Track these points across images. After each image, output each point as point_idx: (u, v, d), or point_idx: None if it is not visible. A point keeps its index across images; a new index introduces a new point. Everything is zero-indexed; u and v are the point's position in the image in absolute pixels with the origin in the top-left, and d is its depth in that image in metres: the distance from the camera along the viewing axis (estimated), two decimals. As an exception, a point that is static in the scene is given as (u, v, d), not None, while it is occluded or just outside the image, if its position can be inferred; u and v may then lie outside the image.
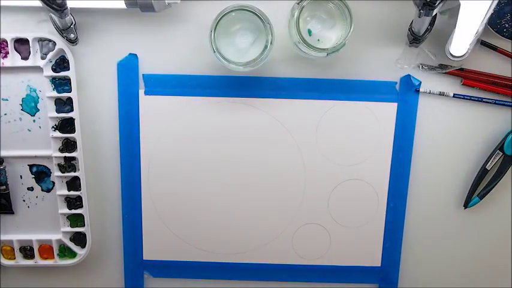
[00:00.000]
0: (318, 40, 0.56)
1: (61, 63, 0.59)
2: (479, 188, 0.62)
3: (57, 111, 0.60)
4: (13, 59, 0.59)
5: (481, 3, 0.52)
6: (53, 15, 0.54)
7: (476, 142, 0.62)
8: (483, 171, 0.61)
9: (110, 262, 0.66)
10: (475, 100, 0.61)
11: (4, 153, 0.62)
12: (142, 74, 0.60)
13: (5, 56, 0.59)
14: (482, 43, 0.59)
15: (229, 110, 0.61)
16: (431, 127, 0.62)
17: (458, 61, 0.58)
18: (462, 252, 0.65)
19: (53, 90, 0.60)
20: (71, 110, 0.60)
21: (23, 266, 0.64)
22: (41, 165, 0.62)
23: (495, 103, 0.61)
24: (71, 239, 0.64)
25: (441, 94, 0.61)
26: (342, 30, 0.55)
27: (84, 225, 0.63)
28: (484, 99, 0.60)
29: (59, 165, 0.61)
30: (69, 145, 0.61)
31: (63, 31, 0.56)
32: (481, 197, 0.62)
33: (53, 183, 0.63)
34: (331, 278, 0.66)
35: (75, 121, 0.60)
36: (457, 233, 0.65)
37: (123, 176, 0.63)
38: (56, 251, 0.64)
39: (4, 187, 0.62)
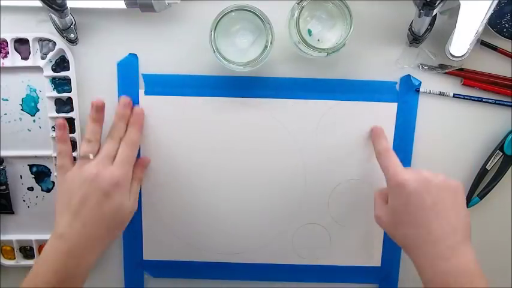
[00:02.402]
0: (318, 40, 0.56)
1: (61, 63, 0.59)
2: (479, 188, 0.62)
3: (57, 111, 0.60)
4: (13, 59, 0.59)
5: (481, 3, 0.52)
6: (53, 15, 0.54)
7: (476, 142, 0.62)
8: (483, 171, 0.62)
9: (110, 262, 0.66)
10: (475, 100, 0.61)
11: (4, 153, 0.62)
12: (142, 74, 0.60)
13: (5, 56, 0.59)
14: (482, 43, 0.59)
15: (229, 110, 0.61)
16: (431, 127, 0.62)
17: (458, 61, 0.58)
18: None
19: (53, 90, 0.60)
20: (71, 110, 0.60)
21: (23, 266, 0.64)
22: (41, 165, 0.62)
23: (495, 103, 0.61)
24: (71, 239, 0.64)
25: (441, 94, 0.61)
26: (342, 30, 0.55)
27: (84, 225, 0.63)
28: (484, 99, 0.60)
29: (59, 165, 0.61)
30: (69, 145, 0.61)
31: (63, 31, 0.56)
32: (481, 197, 0.62)
33: (53, 183, 0.63)
34: (331, 278, 0.66)
35: (75, 121, 0.60)
36: (457, 233, 0.64)
37: (123, 176, 0.63)
38: (56, 251, 0.64)
39: (4, 187, 0.62)
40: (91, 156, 0.54)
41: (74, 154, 0.60)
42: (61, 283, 0.50)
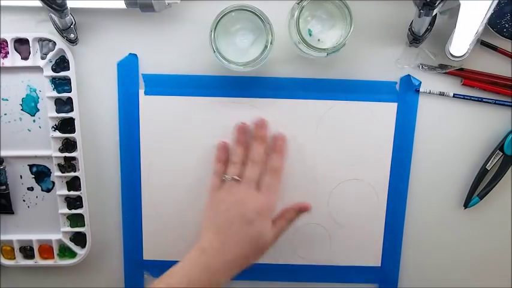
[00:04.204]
0: (318, 40, 0.56)
1: (61, 63, 0.59)
2: (479, 188, 0.62)
3: (57, 111, 0.60)
4: (13, 59, 0.59)
5: (481, 3, 0.52)
6: (53, 15, 0.54)
7: (476, 142, 0.62)
8: (483, 171, 0.61)
9: (110, 262, 0.66)
10: (475, 100, 0.61)
11: (4, 153, 0.62)
12: (142, 74, 0.60)
13: (5, 56, 0.59)
14: (482, 43, 0.59)
15: (230, 110, 0.61)
16: (431, 127, 0.62)
17: (458, 61, 0.58)
18: (462, 252, 0.65)
19: (53, 90, 0.60)
20: (71, 110, 0.60)
21: (23, 266, 0.64)
22: (41, 165, 0.62)
23: (495, 103, 0.61)
24: (71, 239, 0.64)
25: (441, 94, 0.61)
26: (342, 30, 0.55)
27: (84, 225, 0.63)
28: (484, 99, 0.60)
29: (59, 165, 0.61)
30: (69, 145, 0.61)
31: (63, 31, 0.56)
32: (481, 197, 0.62)
33: (53, 183, 0.63)
34: (331, 278, 0.66)
35: (75, 121, 0.60)
36: (457, 233, 0.65)
37: (123, 176, 0.63)
38: (56, 251, 0.64)
39: (4, 187, 0.62)
40: (238, 179, 0.56)
41: (74, 154, 0.61)
42: None
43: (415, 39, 0.56)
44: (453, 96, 0.61)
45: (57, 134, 0.61)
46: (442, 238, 0.65)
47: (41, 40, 0.59)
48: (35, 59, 0.59)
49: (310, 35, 0.55)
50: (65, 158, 0.61)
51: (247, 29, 0.55)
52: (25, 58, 0.59)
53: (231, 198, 0.55)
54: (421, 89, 0.60)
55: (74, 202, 0.63)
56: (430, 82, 0.60)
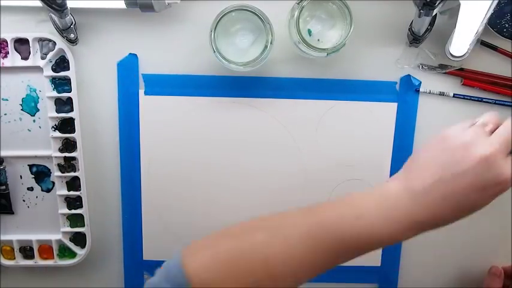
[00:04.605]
0: (318, 40, 0.56)
1: (61, 63, 0.59)
2: (479, 188, 0.62)
3: (57, 111, 0.60)
4: (13, 59, 0.59)
5: (481, 3, 0.52)
6: (53, 15, 0.54)
7: (476, 142, 0.62)
8: (483, 171, 0.61)
9: (110, 262, 0.66)
10: (475, 100, 0.61)
11: (4, 153, 0.62)
12: (142, 74, 0.60)
13: (5, 56, 0.59)
14: (482, 43, 0.59)
15: (229, 110, 0.61)
16: (431, 127, 0.62)
17: (458, 61, 0.58)
18: (462, 253, 0.65)
19: (53, 90, 0.60)
20: (71, 110, 0.60)
21: (22, 266, 0.64)
22: (41, 165, 0.62)
23: (495, 103, 0.61)
24: (70, 239, 0.64)
25: (441, 94, 0.61)
26: (342, 30, 0.55)
27: (84, 225, 0.63)
28: (484, 99, 0.60)
29: (58, 165, 0.61)
30: (69, 145, 0.61)
31: (63, 31, 0.56)
32: (481, 197, 0.62)
33: (53, 183, 0.63)
34: (331, 278, 0.65)
35: (75, 121, 0.60)
36: (457, 233, 0.64)
37: (123, 176, 0.63)
38: (55, 251, 0.64)
39: (4, 187, 0.62)
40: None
41: (73, 154, 0.60)
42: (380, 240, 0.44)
43: (415, 39, 0.56)
44: (453, 96, 0.61)
45: (57, 134, 0.61)
46: (442, 238, 0.65)
47: (41, 40, 0.59)
48: (35, 59, 0.59)
49: (310, 35, 0.55)
50: (65, 158, 0.61)
51: (247, 29, 0.55)
52: (25, 58, 0.59)
53: (462, 136, 0.45)
54: (421, 89, 0.60)
55: (73, 202, 0.63)
56: (430, 82, 0.60)
